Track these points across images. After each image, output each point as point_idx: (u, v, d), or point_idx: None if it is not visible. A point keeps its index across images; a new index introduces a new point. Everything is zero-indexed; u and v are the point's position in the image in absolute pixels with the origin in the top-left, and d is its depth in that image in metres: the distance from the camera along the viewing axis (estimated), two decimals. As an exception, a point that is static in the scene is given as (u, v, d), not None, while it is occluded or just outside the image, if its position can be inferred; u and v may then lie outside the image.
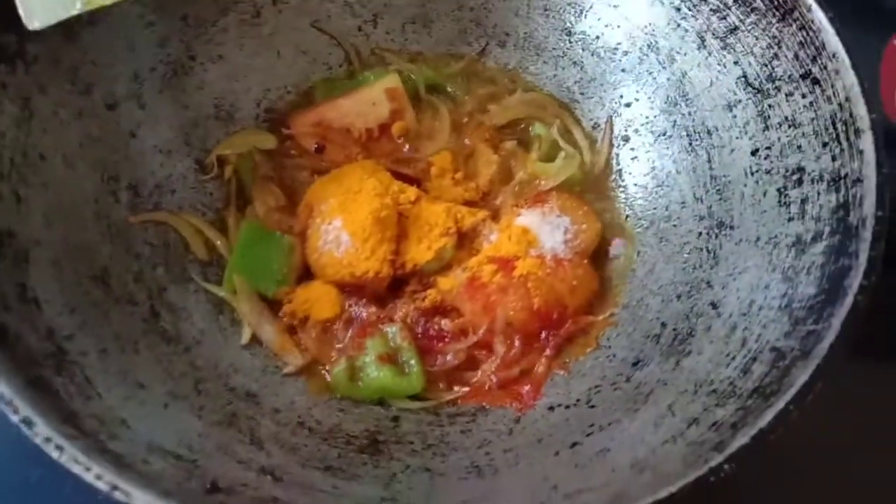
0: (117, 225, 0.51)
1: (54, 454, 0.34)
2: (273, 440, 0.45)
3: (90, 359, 0.42)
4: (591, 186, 0.60)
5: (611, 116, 0.61)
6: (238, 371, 0.50)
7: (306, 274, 0.55)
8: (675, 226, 0.56)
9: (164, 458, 0.38)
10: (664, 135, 0.58)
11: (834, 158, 0.46)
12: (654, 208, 0.57)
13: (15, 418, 0.34)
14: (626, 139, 0.60)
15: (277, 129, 0.60)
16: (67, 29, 0.49)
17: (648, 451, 0.41)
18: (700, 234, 0.54)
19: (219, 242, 0.55)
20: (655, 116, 0.59)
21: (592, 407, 0.48)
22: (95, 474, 0.33)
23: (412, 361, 0.51)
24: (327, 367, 0.52)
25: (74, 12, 0.46)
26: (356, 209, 0.53)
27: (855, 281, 0.40)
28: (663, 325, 0.51)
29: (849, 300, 0.39)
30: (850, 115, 0.46)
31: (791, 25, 0.50)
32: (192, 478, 0.37)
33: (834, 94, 0.47)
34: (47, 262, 0.45)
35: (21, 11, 0.45)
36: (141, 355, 0.46)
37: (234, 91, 0.60)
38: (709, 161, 0.55)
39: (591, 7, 0.61)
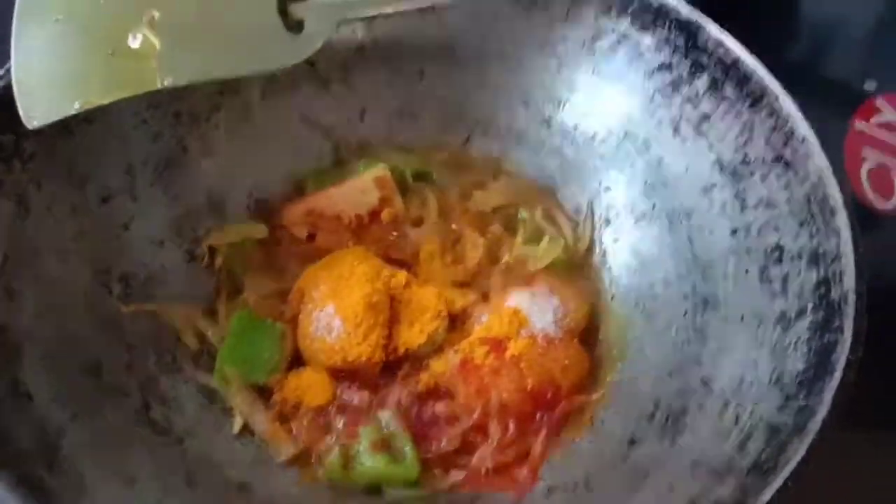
0: (109, 316, 0.51)
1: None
2: (268, 534, 0.44)
3: (82, 454, 0.42)
4: (577, 267, 0.61)
5: (592, 201, 0.63)
6: (230, 462, 0.49)
7: (297, 360, 0.55)
8: (661, 304, 0.57)
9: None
10: (644, 217, 0.60)
11: (811, 236, 0.48)
12: (640, 287, 0.59)
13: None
14: (608, 222, 0.62)
15: (268, 219, 0.62)
16: (63, 126, 0.50)
17: (653, 532, 0.40)
18: (686, 311, 0.55)
19: (209, 332, 0.55)
20: (635, 200, 0.61)
21: (591, 490, 0.48)
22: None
23: (406, 448, 0.50)
24: (319, 456, 0.51)
25: (72, 111, 0.47)
26: (348, 294, 0.54)
27: (842, 356, 0.41)
28: (656, 403, 0.51)
29: (837, 375, 0.40)
30: (823, 195, 0.48)
31: (760, 112, 0.53)
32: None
33: (806, 176, 0.50)
34: (39, 356, 0.45)
35: (21, 111, 0.47)
36: (133, 448, 0.45)
37: (226, 183, 0.61)
38: (689, 241, 0.57)
39: (568, 99, 0.64)
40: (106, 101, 0.48)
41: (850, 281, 0.44)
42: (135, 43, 0.50)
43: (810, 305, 0.46)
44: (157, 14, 0.50)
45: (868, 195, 0.72)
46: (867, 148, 0.75)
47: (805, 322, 0.45)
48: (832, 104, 0.81)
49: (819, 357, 0.43)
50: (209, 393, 0.53)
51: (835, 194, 0.47)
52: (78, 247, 0.51)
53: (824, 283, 0.46)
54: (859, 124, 0.78)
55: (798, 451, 0.38)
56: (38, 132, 0.48)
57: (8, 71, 0.48)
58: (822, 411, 0.39)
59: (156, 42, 0.50)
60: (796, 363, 0.44)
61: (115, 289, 0.53)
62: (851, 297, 0.43)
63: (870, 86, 0.79)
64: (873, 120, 0.77)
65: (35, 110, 0.47)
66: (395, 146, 0.66)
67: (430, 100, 0.66)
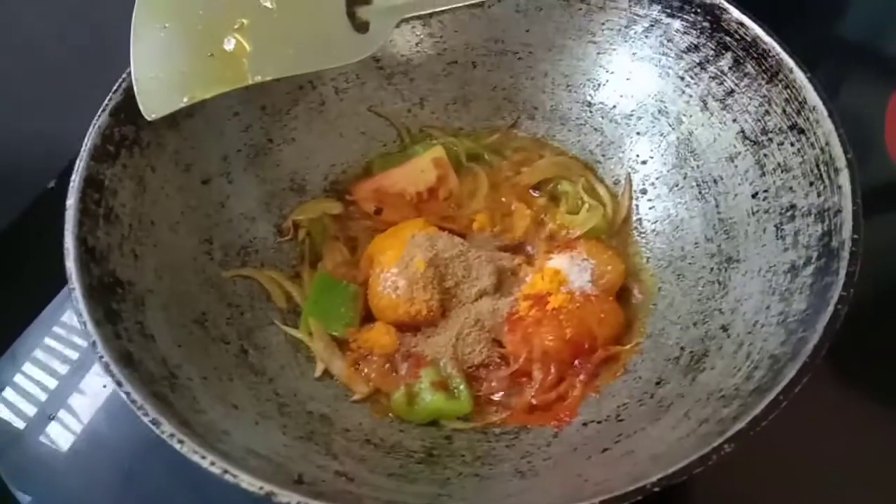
0: (212, 278, 0.61)
1: (177, 446, 0.42)
2: (345, 453, 0.53)
3: (195, 384, 0.51)
4: (615, 234, 0.68)
5: (629, 173, 0.70)
6: (313, 398, 0.58)
7: (368, 316, 0.64)
8: (690, 264, 0.63)
9: (259, 458, 0.46)
10: (677, 186, 0.66)
11: (819, 195, 0.54)
12: (672, 250, 0.65)
13: (146, 419, 0.43)
14: (644, 192, 0.68)
15: (342, 197, 0.71)
16: (171, 120, 0.60)
17: (666, 447, 0.47)
18: (712, 269, 0.61)
19: (295, 293, 0.64)
20: (668, 171, 0.67)
21: (621, 421, 0.55)
22: (210, 462, 0.41)
23: (461, 387, 0.58)
24: (388, 395, 0.60)
25: (182, 104, 0.57)
26: (410, 258, 0.62)
27: (836, 293, 0.47)
28: (682, 349, 0.58)
29: (830, 309, 0.46)
30: (830, 156, 0.53)
31: (777, 85, 0.59)
32: (282, 472, 0.45)
33: (816, 140, 0.55)
34: (159, 307, 0.54)
35: (141, 106, 0.57)
36: (234, 383, 0.55)
37: (305, 167, 0.70)
38: (716, 206, 0.63)
39: (607, 81, 0.71)
40: (208, 96, 0.57)
41: (847, 230, 0.49)
42: (229, 46, 0.59)
43: (815, 254, 0.51)
44: (246, 21, 0.60)
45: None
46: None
47: (810, 269, 0.51)
48: (875, 70, 0.86)
49: (818, 297, 0.48)
50: (295, 343, 0.62)
51: (840, 155, 0.53)
52: (185, 220, 0.61)
53: (827, 234, 0.51)
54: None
55: (790, 373, 0.44)
56: (152, 125, 0.58)
57: (128, 74, 0.58)
58: (814, 339, 0.45)
59: (246, 45, 0.59)
60: (800, 304, 0.50)
61: (216, 256, 0.62)
62: (847, 244, 0.48)
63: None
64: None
65: (152, 104, 0.57)
66: (451, 130, 0.75)
67: (482, 88, 0.75)
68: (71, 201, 0.52)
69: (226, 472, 0.41)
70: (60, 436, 0.74)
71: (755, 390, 0.46)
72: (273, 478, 0.42)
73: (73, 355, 0.79)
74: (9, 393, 0.78)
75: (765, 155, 0.59)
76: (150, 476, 0.69)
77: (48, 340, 0.81)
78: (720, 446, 0.41)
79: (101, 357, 0.45)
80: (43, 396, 0.77)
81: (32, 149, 1.06)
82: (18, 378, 0.79)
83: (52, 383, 0.78)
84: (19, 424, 0.75)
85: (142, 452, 0.71)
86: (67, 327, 0.82)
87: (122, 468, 0.70)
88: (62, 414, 0.75)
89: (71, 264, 0.50)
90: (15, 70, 1.02)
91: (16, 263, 1.05)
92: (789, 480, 0.62)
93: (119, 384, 0.44)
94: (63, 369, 0.79)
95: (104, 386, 0.76)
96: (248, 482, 0.41)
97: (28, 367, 0.79)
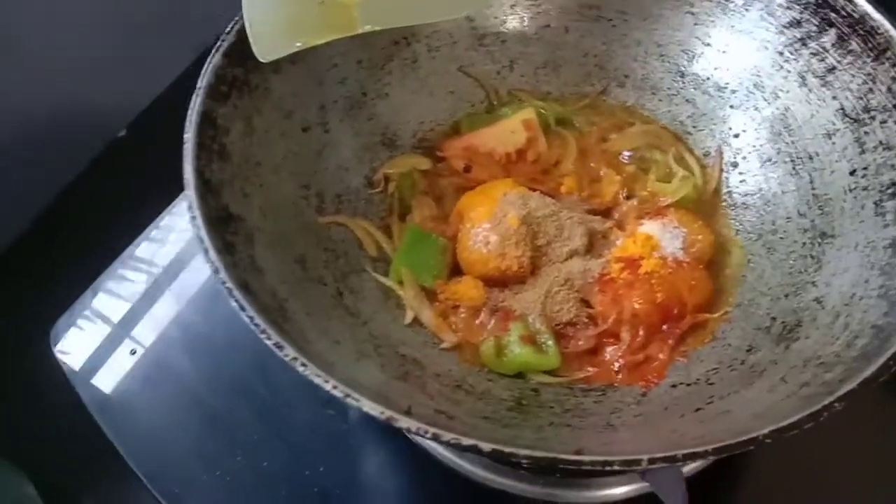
0: (309, 223, 0.62)
1: (300, 369, 0.44)
2: (439, 395, 0.54)
3: (300, 317, 0.53)
4: (705, 205, 0.68)
5: (721, 146, 0.70)
6: (405, 343, 0.59)
7: (456, 271, 0.65)
8: (781, 238, 0.63)
9: (367, 389, 0.47)
10: (770, 161, 0.66)
11: (924, 173, 0.54)
12: (762, 224, 0.65)
13: (269, 342, 0.45)
14: (735, 165, 0.69)
15: (430, 153, 0.72)
16: (277, 66, 0.61)
17: (766, 407, 0.48)
18: (804, 243, 0.61)
19: (384, 243, 0.66)
20: (762, 145, 0.67)
21: (711, 384, 0.55)
22: (332, 385, 0.43)
23: (549, 342, 0.59)
24: (476, 345, 0.61)
25: (294, 49, 0.58)
26: (502, 214, 0.63)
27: (944, 267, 0.47)
28: (773, 318, 0.58)
29: (938, 281, 0.46)
30: (937, 136, 0.53)
31: (884, 64, 0.58)
32: (392, 403, 0.46)
33: (924, 119, 0.55)
34: (265, 245, 0.56)
35: (255, 49, 0.58)
36: (333, 322, 0.56)
37: (397, 122, 0.72)
38: (811, 182, 0.63)
39: (702, 53, 0.71)
40: (320, 42, 0.58)
41: (954, 205, 0.49)
42: (339, -6, 0.60)
43: (919, 230, 0.52)
44: (355, -29, 0.61)
45: None
46: None
47: (913, 244, 0.51)
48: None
49: (924, 270, 0.49)
50: (386, 290, 0.63)
51: (948, 135, 0.53)
52: (286, 164, 0.62)
53: (932, 211, 0.51)
54: None
55: (899, 340, 0.44)
56: (259, 69, 0.60)
57: (240, 18, 0.59)
58: (924, 309, 0.45)
59: (357, -6, 0.60)
60: (903, 278, 0.50)
61: (312, 202, 0.64)
62: (954, 218, 0.49)
63: None
64: None
65: (265, 48, 0.58)
66: (540, 94, 0.75)
67: (573, 53, 0.75)
68: (189, 135, 0.54)
69: (348, 395, 0.42)
70: (139, 368, 0.77)
71: (859, 356, 0.46)
72: (388, 404, 0.43)
73: (142, 289, 0.82)
74: (86, 325, 0.81)
75: (865, 133, 0.59)
76: (228, 411, 0.72)
77: (123, 272, 0.84)
78: (831, 404, 0.42)
79: (224, 283, 0.47)
80: (121, 330, 0.80)
81: (97, 102, 1.09)
82: (95, 312, 0.82)
83: (127, 318, 0.81)
84: (99, 357, 0.78)
85: (215, 384, 0.74)
86: (144, 262, 0.85)
87: (197, 400, 0.73)
88: (141, 347, 0.78)
89: (191, 193, 0.51)
90: (81, 24, 1.04)
91: (92, 206, 1.08)
92: (828, 480, 0.63)
93: (242, 308, 0.46)
94: (136, 305, 0.82)
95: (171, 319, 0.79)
96: (370, 406, 0.42)
97: (103, 302, 0.82)
